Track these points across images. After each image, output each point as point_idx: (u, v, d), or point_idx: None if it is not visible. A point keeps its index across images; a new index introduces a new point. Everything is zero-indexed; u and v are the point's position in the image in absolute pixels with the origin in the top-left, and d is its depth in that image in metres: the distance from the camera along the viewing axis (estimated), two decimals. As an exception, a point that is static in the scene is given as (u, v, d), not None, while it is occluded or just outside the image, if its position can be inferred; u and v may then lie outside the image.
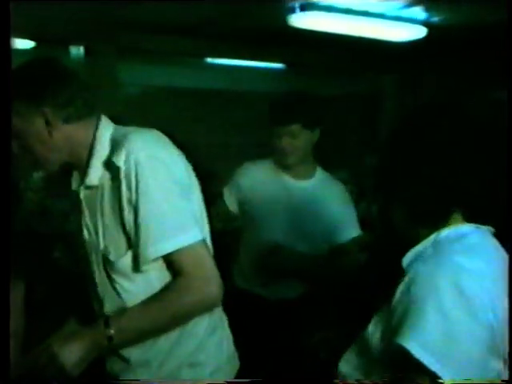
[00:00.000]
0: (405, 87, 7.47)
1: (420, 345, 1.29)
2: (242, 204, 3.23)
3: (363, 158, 7.70)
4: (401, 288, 1.40)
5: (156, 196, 1.72)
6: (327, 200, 3.14)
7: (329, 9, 4.78)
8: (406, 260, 1.49)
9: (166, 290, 1.79)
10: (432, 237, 1.49)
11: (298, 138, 3.05)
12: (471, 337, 1.29)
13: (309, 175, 3.17)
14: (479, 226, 1.50)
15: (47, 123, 1.81)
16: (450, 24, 5.49)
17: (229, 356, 1.99)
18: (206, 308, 1.84)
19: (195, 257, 1.76)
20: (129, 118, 3.66)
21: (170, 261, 1.78)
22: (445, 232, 1.48)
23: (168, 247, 1.73)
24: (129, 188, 1.73)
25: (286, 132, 3.03)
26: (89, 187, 1.88)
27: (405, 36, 5.63)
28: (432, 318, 1.30)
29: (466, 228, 1.48)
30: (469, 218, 1.51)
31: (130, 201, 1.74)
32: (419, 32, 5.50)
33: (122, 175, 1.74)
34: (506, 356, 1.35)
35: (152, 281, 1.82)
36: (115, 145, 1.81)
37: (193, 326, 1.88)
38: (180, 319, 1.82)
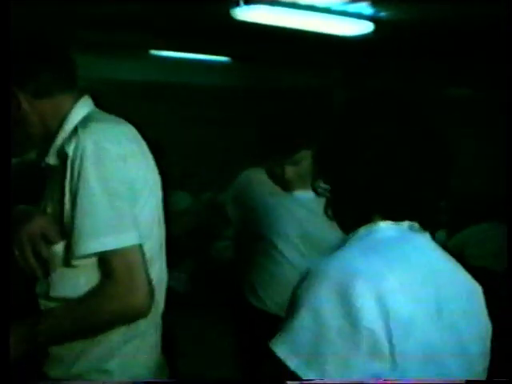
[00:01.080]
0: (352, 82, 7.49)
1: (288, 347, 1.25)
2: (246, 218, 2.94)
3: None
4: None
5: (96, 191, 1.66)
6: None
7: (273, 2, 4.76)
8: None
9: (91, 294, 1.73)
10: (349, 236, 1.43)
11: (304, 162, 2.66)
12: (345, 341, 1.21)
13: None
14: (399, 222, 1.40)
15: (14, 97, 1.76)
16: (397, 19, 5.52)
17: (150, 367, 1.91)
18: (129, 318, 1.76)
19: (126, 262, 1.69)
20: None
21: (100, 261, 1.72)
22: (360, 230, 1.41)
23: (98, 246, 1.67)
24: (71, 177, 1.67)
25: (289, 161, 2.67)
26: (47, 166, 1.82)
27: (352, 31, 5.64)
28: (305, 320, 1.24)
29: (382, 225, 1.39)
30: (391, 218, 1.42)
31: (70, 191, 1.68)
32: (366, 27, 5.51)
33: (69, 162, 1.68)
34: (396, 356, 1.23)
35: (79, 280, 1.75)
36: (74, 130, 1.74)
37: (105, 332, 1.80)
38: (102, 326, 1.75)
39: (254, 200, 2.90)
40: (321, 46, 6.36)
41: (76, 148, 1.67)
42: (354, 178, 1.40)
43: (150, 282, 1.72)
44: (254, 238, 2.89)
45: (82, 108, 1.83)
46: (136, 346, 1.82)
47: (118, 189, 1.69)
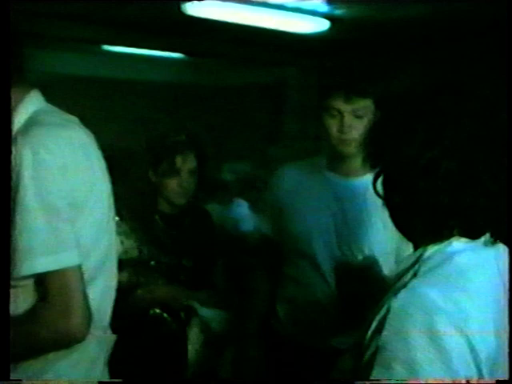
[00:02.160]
0: (308, 79, 7.47)
1: None
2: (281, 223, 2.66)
3: (266, 150, 7.70)
4: (377, 319, 1.25)
5: (32, 207, 1.55)
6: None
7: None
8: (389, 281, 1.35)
9: (25, 318, 1.63)
10: (416, 254, 1.32)
11: (366, 118, 2.41)
12: None
13: (362, 171, 2.47)
14: (471, 240, 1.29)
15: None
16: (353, 17, 5.51)
17: (90, 380, 1.82)
18: (63, 344, 1.65)
19: (62, 284, 1.59)
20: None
21: (37, 281, 1.61)
22: (431, 250, 1.29)
23: (34, 268, 1.56)
24: (11, 188, 1.56)
25: (354, 108, 2.39)
26: None
27: (306, 28, 5.61)
28: (399, 372, 1.17)
29: (457, 245, 1.28)
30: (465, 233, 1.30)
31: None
32: (321, 25, 5.49)
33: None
34: None
35: (18, 300, 1.64)
36: (16, 134, 1.62)
37: None
38: (37, 351, 1.66)
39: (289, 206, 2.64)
40: (275, 43, 6.33)
41: (15, 156, 1.56)
42: (433, 190, 1.27)
43: (87, 305, 1.61)
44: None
45: (30, 104, 1.72)
46: (74, 360, 1.73)
47: (56, 205, 1.58)
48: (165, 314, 2.69)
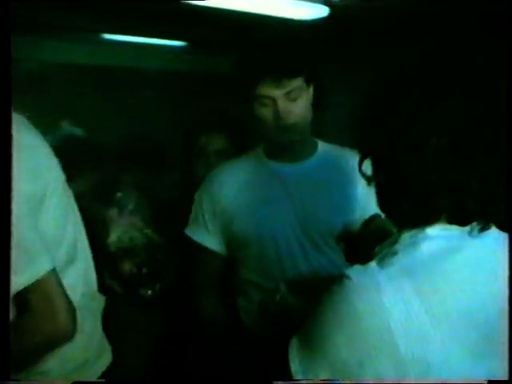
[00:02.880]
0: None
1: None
2: (230, 229, 2.51)
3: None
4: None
5: None
6: (335, 179, 2.40)
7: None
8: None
9: (12, 331, 1.60)
10: (391, 239, 1.29)
11: (300, 99, 2.29)
12: None
13: (309, 153, 2.45)
14: (453, 228, 1.24)
15: None
16: (353, 4, 5.47)
17: (86, 357, 1.85)
18: (54, 345, 1.73)
19: (41, 292, 1.62)
20: (28, 95, 3.46)
21: (15, 294, 1.64)
22: (404, 235, 1.26)
23: (14, 288, 1.58)
24: None
25: (285, 92, 2.25)
26: None
27: (306, 15, 5.57)
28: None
29: (430, 231, 1.24)
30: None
31: None
32: (321, 11, 5.46)
33: None
34: None
35: None
36: None
37: None
38: (30, 357, 1.68)
39: (234, 204, 2.50)
40: (273, 30, 6.29)
41: None
42: (421, 169, 1.22)
43: (68, 302, 1.64)
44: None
45: None
46: (70, 346, 1.75)
47: (17, 214, 1.56)
48: None
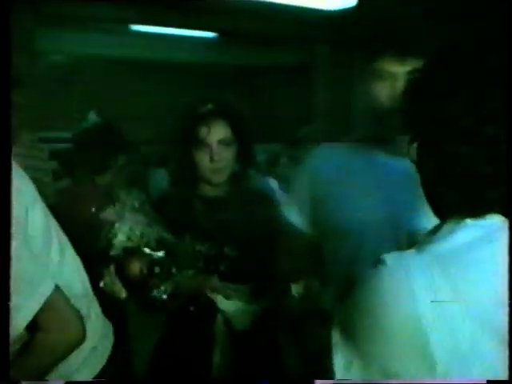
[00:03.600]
0: (337, 58, 7.36)
1: None
2: (319, 213, 2.34)
3: (296, 131, 7.61)
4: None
5: None
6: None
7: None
8: None
9: (27, 351, 1.69)
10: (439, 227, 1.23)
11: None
12: None
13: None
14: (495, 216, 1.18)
15: None
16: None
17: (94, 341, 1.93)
18: (71, 351, 1.75)
19: (50, 309, 1.64)
20: (55, 87, 3.40)
21: None
22: (444, 228, 1.21)
23: (26, 317, 1.60)
24: None
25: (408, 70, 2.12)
26: None
27: (336, 4, 5.52)
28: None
29: (470, 222, 1.19)
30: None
31: None
32: (350, 0, 5.40)
33: None
34: None
35: None
36: None
37: None
38: (52, 366, 1.73)
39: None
40: (304, 21, 6.24)
41: None
42: (473, 158, 1.14)
43: (76, 312, 1.71)
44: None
45: None
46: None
47: (17, 247, 1.56)
48: (192, 308, 2.45)
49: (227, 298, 2.38)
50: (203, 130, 2.50)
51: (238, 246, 2.45)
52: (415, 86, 1.25)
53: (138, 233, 2.26)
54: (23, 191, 1.72)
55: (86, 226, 2.22)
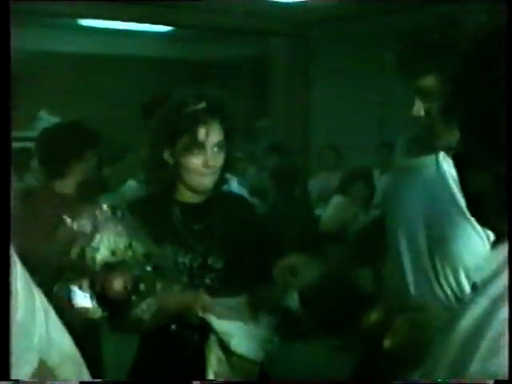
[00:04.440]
0: (294, 49, 7.28)
1: None
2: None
3: (254, 123, 7.54)
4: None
5: None
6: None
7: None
8: None
9: None
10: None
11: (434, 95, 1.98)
12: None
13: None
14: None
15: None
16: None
17: None
18: None
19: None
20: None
21: None
22: None
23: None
24: None
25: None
26: None
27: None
28: None
29: None
30: None
31: None
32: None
33: None
34: None
35: None
36: None
37: None
38: None
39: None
40: (259, 13, 6.16)
41: None
42: None
43: None
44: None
45: None
46: None
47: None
48: (173, 327, 2.20)
49: (221, 316, 2.12)
50: (199, 131, 2.27)
51: (224, 256, 2.28)
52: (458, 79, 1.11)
53: (122, 246, 2.03)
54: None
55: (48, 239, 2.07)
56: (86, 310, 2.01)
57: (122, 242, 2.00)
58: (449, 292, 1.98)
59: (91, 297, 2.02)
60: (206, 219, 2.29)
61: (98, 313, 2.02)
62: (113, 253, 1.98)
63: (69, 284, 2.01)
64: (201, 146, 2.25)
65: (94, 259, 1.95)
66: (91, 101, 7.15)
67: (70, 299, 2.00)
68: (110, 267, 2.00)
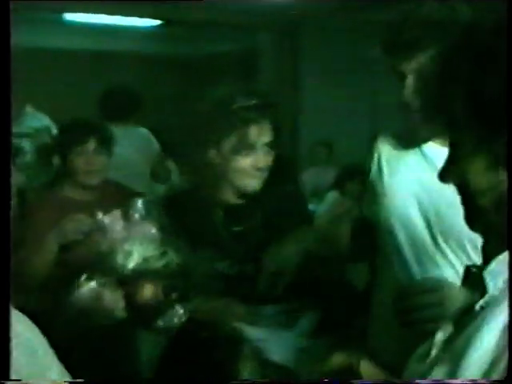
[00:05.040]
0: (281, 45, 7.24)
1: None
2: None
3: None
4: None
5: None
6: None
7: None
8: None
9: None
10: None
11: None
12: None
13: None
14: None
15: None
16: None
17: None
18: None
19: None
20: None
21: None
22: None
23: None
24: None
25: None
26: None
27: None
28: None
29: None
30: None
31: None
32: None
33: None
34: None
35: None
36: None
37: None
38: None
39: None
40: (247, 7, 6.10)
41: None
42: None
43: None
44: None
45: None
46: None
47: None
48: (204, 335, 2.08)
49: (256, 325, 1.98)
50: (251, 131, 2.14)
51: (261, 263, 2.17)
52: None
53: (155, 253, 1.89)
54: None
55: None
56: (112, 310, 1.90)
57: (155, 249, 1.87)
58: (459, 267, 1.93)
59: (118, 298, 1.90)
60: (247, 221, 2.16)
61: (124, 315, 1.90)
62: (145, 260, 1.84)
63: (96, 282, 1.91)
64: (251, 147, 2.11)
65: (124, 264, 1.83)
66: (80, 97, 7.06)
67: (96, 298, 1.90)
68: (140, 274, 1.87)
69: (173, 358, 2.11)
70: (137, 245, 1.85)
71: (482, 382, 1.02)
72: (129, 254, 1.83)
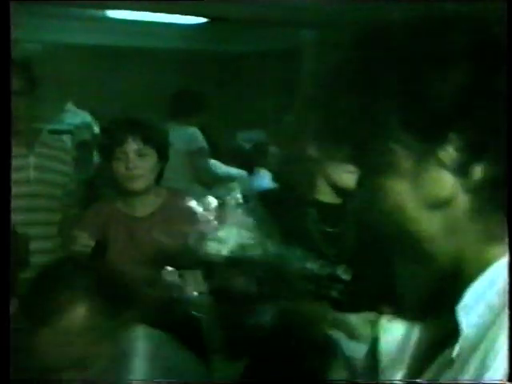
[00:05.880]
0: (324, 44, 7.19)
1: None
2: None
3: (281, 118, 7.43)
4: None
5: None
6: None
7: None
8: None
9: None
10: None
11: None
12: None
13: None
14: None
15: None
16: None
17: None
18: None
19: None
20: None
21: None
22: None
23: None
24: None
25: None
26: None
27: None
28: None
29: None
30: None
31: None
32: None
33: None
34: None
35: None
36: None
37: None
38: None
39: None
40: (291, 5, 6.05)
41: None
42: None
43: None
44: None
45: None
46: None
47: None
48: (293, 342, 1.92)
49: (351, 337, 1.79)
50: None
51: (354, 267, 2.09)
52: None
53: (252, 241, 1.80)
54: None
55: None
56: (194, 301, 1.82)
57: (252, 237, 1.79)
58: None
59: (203, 289, 1.81)
60: (341, 222, 2.10)
61: (206, 308, 1.82)
62: (242, 248, 1.75)
63: (182, 271, 1.84)
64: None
65: (219, 251, 1.75)
66: (120, 93, 7.09)
67: (179, 286, 1.83)
68: (234, 262, 1.77)
69: (261, 361, 2.02)
70: (233, 232, 1.76)
71: (482, 382, 0.99)
72: (224, 241, 1.75)
